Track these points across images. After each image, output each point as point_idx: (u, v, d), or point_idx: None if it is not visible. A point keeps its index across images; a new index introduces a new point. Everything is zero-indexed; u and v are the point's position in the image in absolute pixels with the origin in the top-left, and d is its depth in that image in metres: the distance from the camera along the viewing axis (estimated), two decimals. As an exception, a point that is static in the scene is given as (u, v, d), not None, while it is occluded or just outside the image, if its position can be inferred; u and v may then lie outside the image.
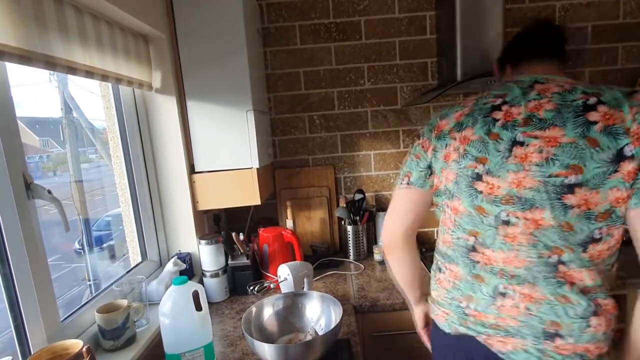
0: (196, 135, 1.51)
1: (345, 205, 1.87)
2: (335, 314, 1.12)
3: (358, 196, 1.90)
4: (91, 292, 1.35)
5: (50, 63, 0.89)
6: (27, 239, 0.88)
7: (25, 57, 0.82)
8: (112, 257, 1.81)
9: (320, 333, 1.14)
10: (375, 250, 1.82)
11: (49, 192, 0.92)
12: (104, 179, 1.47)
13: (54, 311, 0.96)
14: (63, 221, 0.93)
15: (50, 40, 0.89)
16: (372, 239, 1.96)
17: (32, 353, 0.86)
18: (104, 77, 1.10)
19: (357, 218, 1.86)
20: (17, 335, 0.89)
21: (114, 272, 1.42)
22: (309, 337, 1.13)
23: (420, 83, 1.92)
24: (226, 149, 1.51)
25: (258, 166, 1.51)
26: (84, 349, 0.83)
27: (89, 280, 1.41)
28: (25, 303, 0.89)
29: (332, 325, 1.07)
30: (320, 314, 1.18)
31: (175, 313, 1.00)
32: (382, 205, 2.03)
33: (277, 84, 1.91)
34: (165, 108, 1.46)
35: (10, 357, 0.71)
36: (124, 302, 1.08)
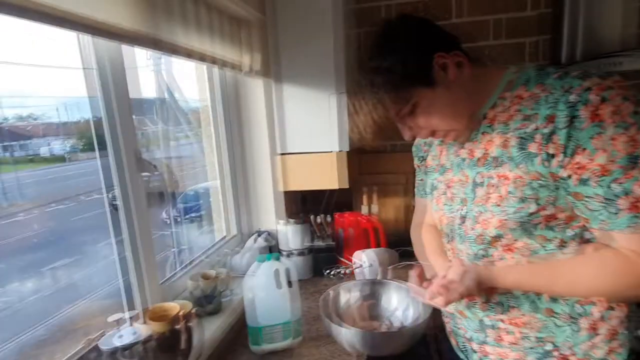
0: (285, 117, 1.54)
1: (424, 195, 1.79)
2: (422, 308, 1.08)
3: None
4: (174, 258, 1.47)
5: (173, 48, 0.96)
6: (137, 207, 0.97)
7: (156, 43, 0.89)
8: (197, 227, 1.93)
9: (396, 324, 1.11)
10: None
11: (155, 166, 1.00)
12: (192, 156, 1.57)
13: (155, 274, 1.06)
14: (165, 195, 1.00)
15: (175, 27, 0.96)
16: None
17: (142, 308, 0.96)
18: (213, 60, 1.16)
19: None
20: (125, 292, 0.99)
21: (199, 242, 1.53)
22: (384, 327, 1.11)
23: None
24: (313, 131, 1.53)
25: (342, 149, 1.51)
26: (188, 314, 0.90)
27: (174, 247, 1.53)
28: (136, 265, 0.99)
29: (418, 319, 1.04)
30: (404, 306, 1.14)
31: (258, 288, 1.05)
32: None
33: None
34: (257, 90, 1.51)
35: (126, 314, 0.80)
36: (213, 273, 1.16)
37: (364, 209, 1.83)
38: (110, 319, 0.78)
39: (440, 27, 0.78)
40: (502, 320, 0.81)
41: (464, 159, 0.83)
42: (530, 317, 0.78)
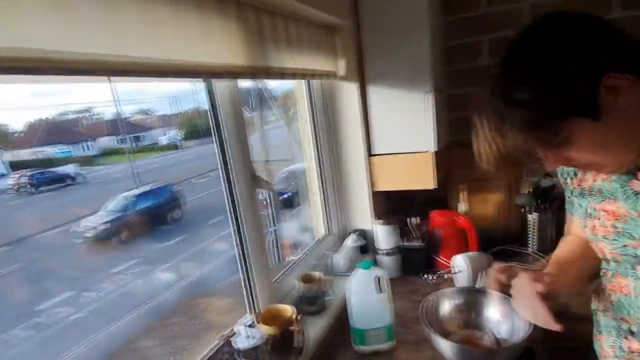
0: (375, 119, 1.56)
1: (530, 191, 1.68)
2: (521, 322, 1.05)
3: (545, 182, 1.67)
4: (274, 237, 1.60)
5: (268, 73, 1.03)
6: (254, 219, 1.10)
7: (251, 73, 0.97)
8: (290, 206, 2.06)
9: (499, 336, 1.10)
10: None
11: (267, 182, 1.11)
12: (282, 139, 1.69)
13: (267, 273, 1.19)
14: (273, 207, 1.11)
15: (268, 52, 1.03)
16: (561, 231, 1.72)
17: (261, 310, 1.11)
18: (303, 75, 1.23)
19: (545, 205, 1.65)
20: (246, 292, 1.14)
21: (297, 235, 1.64)
22: (486, 339, 1.11)
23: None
24: (404, 132, 1.52)
25: (435, 149, 1.48)
26: (297, 316, 1.02)
27: (271, 227, 1.66)
28: (255, 263, 1.13)
29: (517, 334, 1.02)
30: (503, 317, 1.13)
31: (360, 293, 1.12)
32: (576, 192, 1.74)
33: (456, 57, 1.77)
34: (348, 94, 1.54)
35: (250, 320, 0.94)
36: (319, 275, 1.26)
37: (461, 207, 1.78)
38: (240, 324, 0.92)
39: (612, 26, 0.58)
40: None
41: (637, 193, 0.67)
42: None
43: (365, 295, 1.12)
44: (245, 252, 1.11)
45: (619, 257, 0.74)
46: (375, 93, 1.53)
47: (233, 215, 1.09)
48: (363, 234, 1.61)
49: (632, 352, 0.74)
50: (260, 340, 0.90)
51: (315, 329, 1.18)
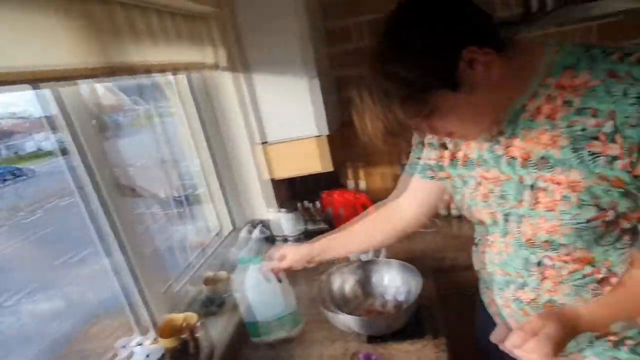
0: (264, 107, 1.54)
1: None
2: (414, 282, 1.14)
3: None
4: (182, 246, 1.51)
5: (127, 70, 0.94)
6: (133, 232, 1.02)
7: (107, 72, 0.88)
8: (199, 203, 1.97)
9: (400, 299, 1.18)
10: (452, 205, 1.78)
11: (132, 188, 1.04)
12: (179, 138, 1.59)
13: (156, 283, 1.11)
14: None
15: (126, 47, 0.93)
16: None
17: (157, 322, 1.04)
18: (175, 69, 1.15)
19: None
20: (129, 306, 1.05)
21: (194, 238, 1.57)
22: (389, 305, 1.19)
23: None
24: (294, 118, 1.52)
25: (327, 132, 1.51)
26: (198, 323, 0.98)
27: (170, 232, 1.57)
28: (134, 277, 1.04)
29: (412, 294, 1.11)
30: (399, 282, 1.21)
31: (255, 287, 1.07)
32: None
33: (339, 37, 1.82)
34: (233, 85, 1.49)
35: (141, 339, 0.87)
36: (225, 274, 1.22)
37: (350, 184, 1.86)
38: (119, 344, 0.85)
39: (471, 3, 0.62)
40: None
41: (500, 156, 0.72)
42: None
43: (261, 288, 1.07)
44: (132, 268, 1.03)
45: (496, 218, 0.78)
46: (261, 81, 1.50)
47: (113, 235, 0.99)
48: (267, 225, 1.60)
49: (527, 302, 0.80)
50: (156, 357, 0.85)
51: (217, 329, 1.14)
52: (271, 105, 1.53)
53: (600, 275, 0.70)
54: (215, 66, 1.39)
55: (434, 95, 0.61)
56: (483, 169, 0.77)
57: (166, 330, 0.99)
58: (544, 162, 0.66)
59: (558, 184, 0.65)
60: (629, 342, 0.73)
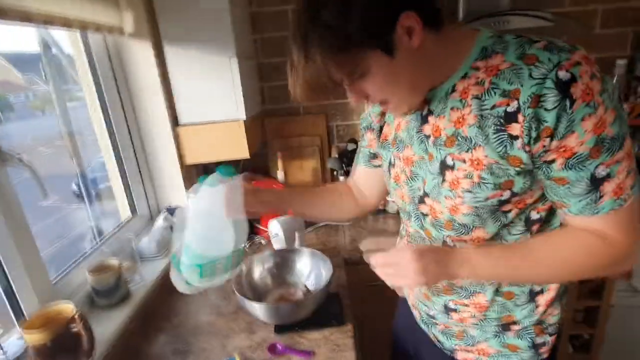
0: (177, 85, 1.41)
1: (337, 156, 1.83)
2: (325, 271, 1.13)
3: (351, 146, 1.85)
4: (93, 234, 1.36)
5: (21, 15, 0.79)
6: (3, 205, 0.85)
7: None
8: (109, 198, 1.79)
9: (311, 288, 1.16)
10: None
11: (20, 159, 0.87)
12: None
13: (43, 273, 0.97)
14: (39, 187, 0.89)
15: None
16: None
17: (26, 318, 0.88)
18: (66, 25, 0.99)
19: (350, 169, 1.83)
20: (9, 302, 0.89)
21: (104, 225, 1.41)
22: (299, 293, 1.16)
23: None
24: (210, 99, 1.42)
25: (245, 117, 1.44)
26: (75, 315, 0.84)
27: (91, 222, 1.41)
28: (11, 269, 0.88)
29: (322, 282, 1.09)
30: (310, 270, 1.19)
31: (204, 216, 0.84)
32: (375, 153, 1.99)
33: (265, 25, 1.76)
34: (141, 55, 1.35)
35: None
36: (115, 263, 1.09)
37: (280, 175, 1.82)
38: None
39: None
40: (466, 305, 0.79)
41: (427, 136, 0.72)
42: (492, 300, 0.77)
43: (214, 217, 0.83)
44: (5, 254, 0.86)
45: (409, 200, 0.78)
46: (175, 55, 1.38)
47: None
48: (176, 211, 1.47)
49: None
50: (15, 352, 0.71)
51: (113, 323, 1.01)
52: (184, 83, 1.41)
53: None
54: (120, 31, 1.25)
55: (368, 55, 0.59)
56: (407, 149, 0.77)
57: (38, 324, 0.83)
58: (453, 140, 0.67)
59: (463, 161, 0.67)
60: (515, 327, 0.78)
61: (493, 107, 0.62)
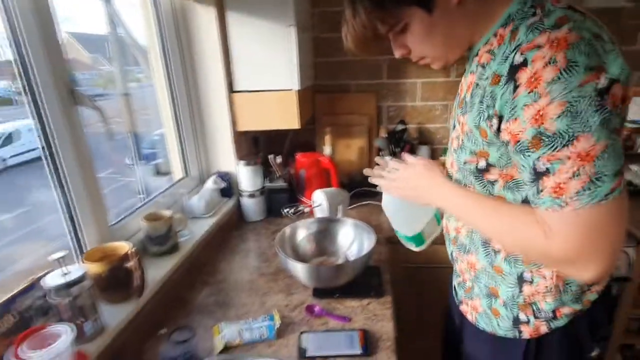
0: (236, 51, 1.45)
1: (385, 136, 1.80)
2: (367, 242, 1.13)
3: (400, 127, 1.81)
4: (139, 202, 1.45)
5: None
6: (74, 143, 0.92)
7: None
8: (159, 173, 1.90)
9: (351, 259, 1.16)
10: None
11: (91, 99, 0.93)
12: (151, 98, 1.48)
13: (103, 214, 1.03)
14: (105, 127, 0.95)
15: None
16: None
17: (86, 250, 0.95)
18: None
19: (398, 150, 1.79)
20: (72, 235, 0.97)
21: (161, 186, 1.49)
22: (340, 262, 1.16)
23: None
24: (266, 67, 1.44)
25: (299, 88, 1.45)
26: (130, 251, 0.89)
27: (141, 194, 1.50)
28: (79, 204, 0.95)
29: (364, 252, 1.08)
30: (352, 241, 1.19)
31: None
32: (424, 138, 1.94)
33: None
34: (204, 20, 1.40)
35: (67, 251, 0.78)
36: (168, 213, 1.14)
37: (327, 150, 1.82)
38: (51, 257, 0.76)
39: None
40: (462, 260, 0.84)
41: (458, 93, 0.79)
42: (482, 265, 0.79)
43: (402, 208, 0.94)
44: (66, 187, 0.92)
45: (461, 172, 0.76)
46: (236, 21, 1.41)
47: (44, 142, 0.88)
48: (226, 176, 1.52)
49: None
50: (77, 276, 0.76)
51: (163, 269, 1.07)
52: (243, 50, 1.44)
53: None
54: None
55: (408, 11, 0.64)
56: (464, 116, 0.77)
57: (95, 256, 0.90)
58: (462, 102, 0.72)
59: (459, 123, 0.73)
60: (502, 299, 0.79)
61: (486, 78, 0.63)
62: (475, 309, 0.84)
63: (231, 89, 1.49)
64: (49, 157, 0.90)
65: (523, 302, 0.75)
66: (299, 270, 1.02)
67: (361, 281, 1.09)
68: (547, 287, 0.72)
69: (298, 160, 1.64)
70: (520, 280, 0.74)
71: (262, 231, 1.50)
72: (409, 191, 0.83)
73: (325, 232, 1.23)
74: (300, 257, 1.18)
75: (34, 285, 0.78)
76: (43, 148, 0.88)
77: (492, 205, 0.69)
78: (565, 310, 0.73)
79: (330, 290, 1.06)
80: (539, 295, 0.73)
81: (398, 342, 0.93)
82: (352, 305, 1.04)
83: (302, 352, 0.87)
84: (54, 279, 0.75)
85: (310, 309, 1.01)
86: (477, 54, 0.69)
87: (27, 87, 0.84)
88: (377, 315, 1.00)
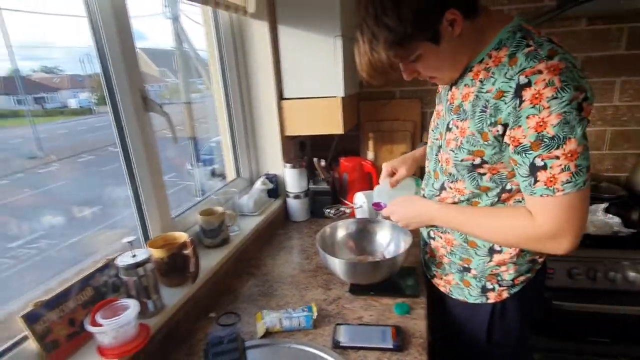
0: (286, 61, 1.55)
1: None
2: (404, 243, 1.16)
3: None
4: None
5: None
6: (145, 145, 1.05)
7: None
8: (215, 175, 2.06)
9: (387, 257, 1.20)
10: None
11: (161, 106, 1.07)
12: (210, 107, 1.64)
13: (166, 208, 1.16)
14: (172, 132, 1.08)
15: None
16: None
17: (151, 238, 1.08)
18: (205, 0, 1.17)
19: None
20: (140, 223, 1.11)
21: (216, 187, 1.63)
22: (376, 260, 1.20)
23: (533, 5, 1.66)
24: (313, 76, 1.53)
25: (343, 95, 1.52)
26: (188, 240, 1.01)
27: (198, 197, 1.65)
28: (147, 199, 1.09)
29: (400, 252, 1.12)
30: (389, 241, 1.23)
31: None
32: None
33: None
34: (258, 33, 1.52)
35: (134, 237, 0.91)
36: (220, 209, 1.26)
37: (370, 155, 1.87)
38: (124, 240, 0.89)
39: None
40: (440, 237, 1.03)
41: (447, 100, 0.92)
42: (459, 242, 0.98)
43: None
44: (137, 181, 1.06)
45: (456, 167, 0.93)
46: (286, 34, 1.52)
47: (120, 144, 1.03)
48: (273, 178, 1.62)
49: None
50: (143, 258, 0.88)
51: (214, 260, 1.18)
52: (292, 60, 1.54)
53: (463, 204, 0.94)
54: (244, 10, 1.41)
55: (420, 45, 0.76)
56: (441, 105, 0.98)
57: (158, 243, 1.02)
58: (458, 109, 0.86)
59: (457, 127, 0.86)
60: (473, 271, 0.98)
61: (487, 91, 0.77)
62: (449, 282, 1.05)
63: (281, 97, 1.60)
64: (124, 159, 1.04)
65: (490, 273, 0.96)
66: (337, 265, 1.08)
67: (397, 281, 1.13)
68: (511, 255, 0.92)
69: (342, 164, 1.71)
70: (492, 251, 0.94)
71: (305, 230, 1.58)
72: (413, 222, 1.03)
73: (364, 232, 1.28)
74: (339, 255, 1.24)
75: (108, 265, 0.92)
76: (121, 150, 1.03)
77: (481, 211, 0.89)
78: (521, 278, 0.96)
79: (367, 287, 1.11)
80: (504, 266, 0.94)
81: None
82: (387, 302, 1.07)
83: (336, 342, 0.93)
84: (124, 260, 0.88)
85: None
86: (470, 70, 0.83)
87: (108, 96, 0.99)
88: (411, 313, 1.03)
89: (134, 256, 0.89)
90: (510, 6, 1.68)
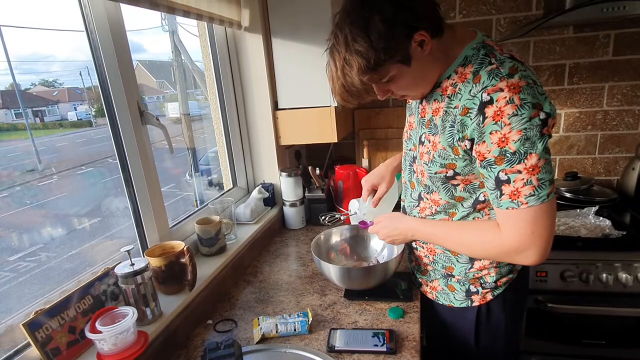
0: (280, 72, 1.59)
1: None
2: (397, 249, 1.18)
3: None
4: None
5: (153, 3, 1.01)
6: (142, 157, 1.08)
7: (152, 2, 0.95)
8: (212, 184, 2.09)
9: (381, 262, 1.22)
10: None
11: (157, 119, 1.10)
12: (208, 119, 1.67)
13: (164, 217, 1.19)
14: (168, 143, 1.11)
15: None
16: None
17: (149, 247, 1.10)
18: (199, 16, 1.21)
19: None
20: (138, 233, 1.13)
21: (213, 196, 1.66)
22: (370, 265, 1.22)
23: (522, 14, 1.70)
24: (307, 86, 1.57)
25: (336, 104, 1.55)
26: (184, 249, 1.03)
27: (197, 207, 1.67)
28: (144, 207, 1.12)
29: (393, 257, 1.14)
30: (383, 247, 1.25)
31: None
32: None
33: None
34: (253, 46, 1.56)
35: (132, 246, 0.93)
36: (217, 218, 1.28)
37: (364, 162, 1.90)
38: (122, 249, 0.91)
39: None
40: (422, 247, 1.06)
41: (419, 113, 0.95)
42: (441, 250, 1.01)
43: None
44: (135, 191, 1.09)
45: (430, 179, 0.96)
46: (280, 47, 1.56)
47: (118, 156, 1.06)
48: (269, 187, 1.65)
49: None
50: (141, 267, 0.91)
51: (211, 267, 1.20)
52: (286, 71, 1.58)
53: (441, 215, 0.97)
54: (238, 24, 1.46)
55: (393, 67, 0.78)
56: (413, 116, 1.00)
57: (155, 252, 1.05)
58: (429, 123, 0.89)
59: (429, 141, 0.89)
60: (457, 277, 1.01)
61: (454, 107, 0.81)
62: (435, 288, 1.08)
63: (276, 107, 1.63)
64: (122, 170, 1.07)
65: (473, 277, 0.99)
66: (331, 271, 1.10)
67: (390, 286, 1.15)
68: (491, 261, 0.96)
69: (337, 172, 1.74)
70: (472, 258, 0.97)
71: (302, 238, 1.60)
72: (397, 239, 1.06)
73: (358, 238, 1.30)
74: (333, 262, 1.26)
75: (107, 274, 0.95)
76: (119, 162, 1.06)
77: (455, 226, 0.93)
78: (504, 280, 0.99)
79: (361, 293, 1.13)
80: (485, 270, 0.97)
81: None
82: (382, 307, 1.09)
83: (331, 346, 0.94)
84: (123, 268, 0.90)
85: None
86: (439, 86, 0.86)
87: (106, 109, 1.03)
88: (404, 317, 1.05)
89: (132, 265, 0.91)
90: (499, 15, 1.72)
